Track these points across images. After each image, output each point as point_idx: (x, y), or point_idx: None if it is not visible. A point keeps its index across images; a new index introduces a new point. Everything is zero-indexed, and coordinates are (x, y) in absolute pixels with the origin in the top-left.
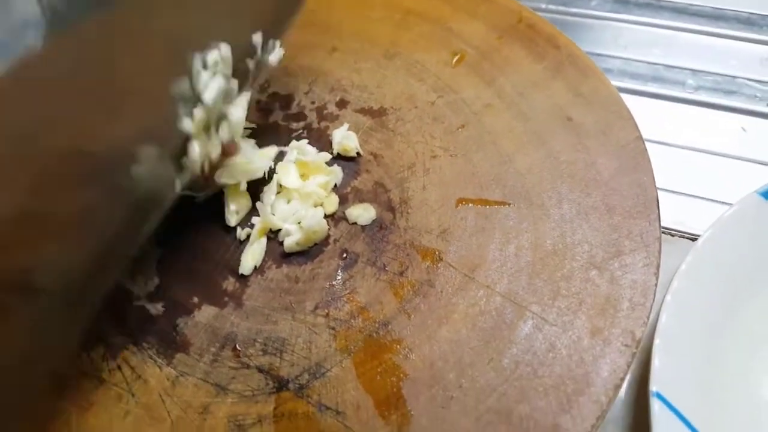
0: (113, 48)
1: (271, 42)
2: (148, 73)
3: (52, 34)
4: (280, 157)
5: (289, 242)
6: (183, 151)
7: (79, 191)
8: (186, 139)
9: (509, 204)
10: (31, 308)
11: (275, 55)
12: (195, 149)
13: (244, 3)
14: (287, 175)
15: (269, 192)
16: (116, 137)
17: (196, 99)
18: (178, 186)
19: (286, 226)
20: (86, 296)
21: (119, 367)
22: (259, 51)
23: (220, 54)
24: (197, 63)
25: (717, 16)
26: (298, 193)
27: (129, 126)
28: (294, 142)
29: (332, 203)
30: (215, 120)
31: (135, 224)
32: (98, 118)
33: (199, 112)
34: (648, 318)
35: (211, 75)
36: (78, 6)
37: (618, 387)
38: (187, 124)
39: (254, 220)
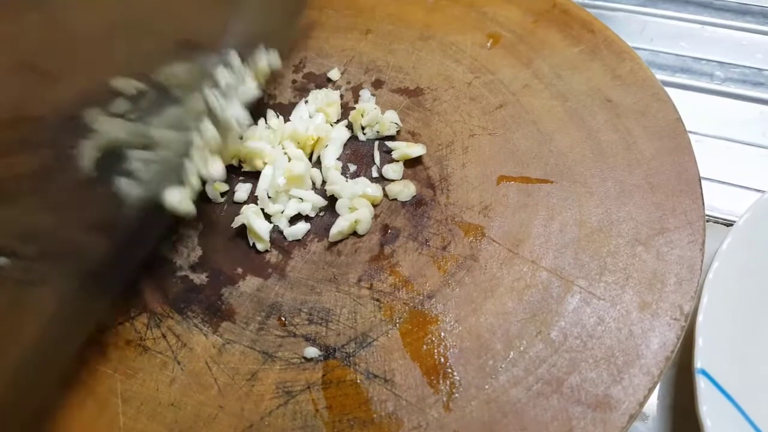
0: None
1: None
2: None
3: None
4: None
5: (334, 232)
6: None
7: (25, 156)
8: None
9: (552, 182)
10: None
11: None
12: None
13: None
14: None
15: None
16: (58, 103)
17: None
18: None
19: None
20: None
21: (164, 336)
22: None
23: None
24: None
25: (743, 11)
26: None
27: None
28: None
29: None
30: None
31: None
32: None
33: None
34: (695, 292)
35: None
36: None
37: (668, 359)
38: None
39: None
